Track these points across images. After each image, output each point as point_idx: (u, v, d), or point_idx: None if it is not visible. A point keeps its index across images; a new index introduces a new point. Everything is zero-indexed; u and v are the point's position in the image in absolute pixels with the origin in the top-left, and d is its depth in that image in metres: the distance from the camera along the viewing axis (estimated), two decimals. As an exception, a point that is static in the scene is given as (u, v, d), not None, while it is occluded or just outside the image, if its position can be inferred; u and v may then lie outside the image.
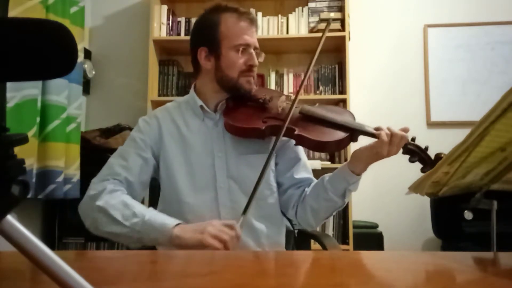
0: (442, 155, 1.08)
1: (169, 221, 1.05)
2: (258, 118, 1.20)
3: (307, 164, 1.32)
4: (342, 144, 1.18)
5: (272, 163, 1.27)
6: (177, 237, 1.01)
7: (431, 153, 1.13)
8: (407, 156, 1.15)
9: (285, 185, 1.29)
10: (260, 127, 1.18)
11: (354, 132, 1.16)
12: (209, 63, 1.23)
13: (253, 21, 1.23)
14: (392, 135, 1.10)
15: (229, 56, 1.20)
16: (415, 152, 1.13)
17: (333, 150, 2.60)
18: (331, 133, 1.17)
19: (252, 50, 1.21)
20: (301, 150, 1.31)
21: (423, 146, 1.14)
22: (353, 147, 1.24)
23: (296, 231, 1.44)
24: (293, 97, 1.23)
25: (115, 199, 1.09)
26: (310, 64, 1.22)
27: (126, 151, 1.22)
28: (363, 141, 1.18)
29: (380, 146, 1.10)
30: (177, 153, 1.23)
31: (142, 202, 1.17)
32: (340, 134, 1.16)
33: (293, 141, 1.21)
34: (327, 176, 1.22)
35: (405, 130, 1.13)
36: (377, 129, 1.13)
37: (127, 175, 1.17)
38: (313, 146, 1.21)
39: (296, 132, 1.16)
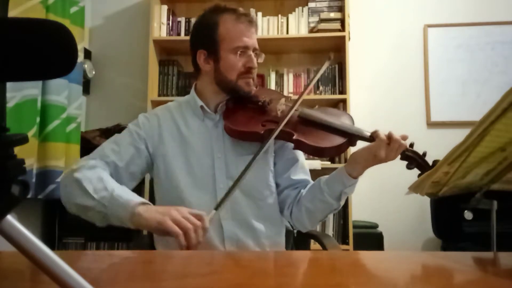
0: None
1: (136, 199, 1.01)
2: (257, 122, 1.20)
3: (305, 165, 1.32)
4: (341, 149, 1.18)
5: (271, 163, 1.27)
6: (139, 214, 0.97)
7: (430, 155, 1.12)
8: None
9: (281, 186, 1.28)
10: (259, 131, 1.18)
11: (352, 137, 1.16)
12: (208, 65, 1.23)
13: (252, 22, 1.23)
14: (391, 138, 1.09)
15: (228, 59, 1.20)
16: (413, 159, 1.12)
17: (331, 155, 2.59)
18: (329, 138, 1.17)
19: (251, 52, 1.21)
20: (299, 151, 1.31)
21: (421, 152, 1.13)
22: (352, 149, 1.24)
23: (295, 231, 1.44)
24: (293, 97, 1.23)
25: (93, 173, 1.09)
26: (311, 82, 1.23)
27: (120, 138, 1.22)
28: (361, 146, 1.17)
29: (378, 147, 1.09)
30: (177, 152, 1.23)
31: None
32: (338, 140, 1.16)
33: None
34: (324, 177, 1.22)
35: (404, 138, 1.13)
36: (375, 132, 1.12)
37: (116, 160, 1.17)
38: (312, 151, 1.21)
39: (294, 137, 1.16)
